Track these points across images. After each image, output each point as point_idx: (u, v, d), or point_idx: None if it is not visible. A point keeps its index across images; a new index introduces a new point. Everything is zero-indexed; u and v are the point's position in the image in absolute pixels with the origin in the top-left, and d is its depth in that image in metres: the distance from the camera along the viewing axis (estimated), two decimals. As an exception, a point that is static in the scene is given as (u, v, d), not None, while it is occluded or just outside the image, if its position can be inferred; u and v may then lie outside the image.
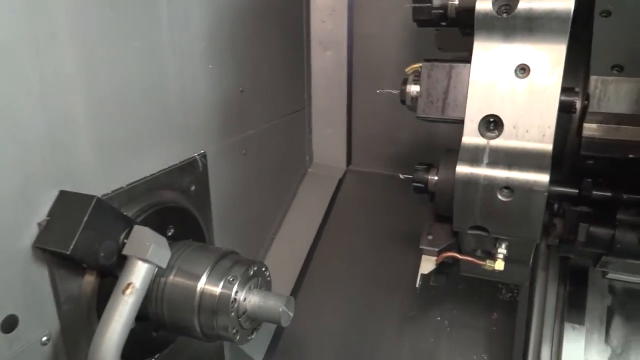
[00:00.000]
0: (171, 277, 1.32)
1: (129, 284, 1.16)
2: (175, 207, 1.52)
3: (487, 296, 2.08)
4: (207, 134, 1.75)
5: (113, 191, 1.31)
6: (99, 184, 1.26)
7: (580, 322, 1.64)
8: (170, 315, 1.33)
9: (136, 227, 1.22)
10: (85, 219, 1.09)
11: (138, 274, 1.17)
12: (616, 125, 1.16)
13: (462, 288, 2.11)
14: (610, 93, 1.14)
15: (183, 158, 1.60)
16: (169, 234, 1.45)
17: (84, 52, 1.19)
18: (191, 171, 1.63)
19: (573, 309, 1.66)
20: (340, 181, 2.71)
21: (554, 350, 1.65)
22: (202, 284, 1.30)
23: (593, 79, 1.16)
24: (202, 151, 1.68)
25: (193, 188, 1.64)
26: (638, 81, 1.13)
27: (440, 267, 1.41)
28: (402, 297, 2.15)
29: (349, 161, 2.77)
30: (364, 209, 2.59)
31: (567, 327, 1.64)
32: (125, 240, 1.21)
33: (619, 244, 1.15)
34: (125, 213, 1.28)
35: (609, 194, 1.17)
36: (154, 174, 1.46)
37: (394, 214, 2.45)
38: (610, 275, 1.67)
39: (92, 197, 1.12)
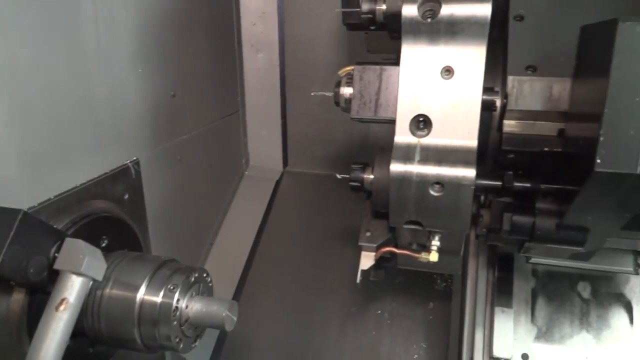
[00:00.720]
0: (108, 290, 1.27)
1: (62, 300, 1.11)
2: (109, 217, 1.47)
3: (423, 287, 2.17)
4: (139, 141, 1.70)
5: (40, 203, 1.25)
6: (25, 196, 1.20)
7: (509, 306, 1.75)
8: (109, 329, 1.28)
9: (67, 240, 1.17)
10: (12, 234, 1.03)
11: (72, 289, 1.13)
12: (532, 121, 1.26)
13: (400, 281, 2.19)
14: (525, 92, 1.24)
15: (114, 166, 1.55)
16: (103, 245, 1.40)
17: (3, 58, 1.13)
18: (124, 179, 1.58)
19: (501, 293, 1.77)
20: (278, 183, 2.72)
21: (486, 334, 1.75)
22: (142, 294, 1.27)
23: (510, 79, 1.25)
24: (135, 158, 1.63)
25: (127, 196, 1.59)
26: (549, 80, 1.23)
27: (379, 262, 1.46)
28: (343, 294, 2.20)
29: (285, 163, 2.79)
30: (302, 210, 2.62)
31: (497, 311, 1.75)
32: (56, 254, 1.15)
33: (539, 230, 1.25)
34: (55, 226, 1.23)
35: (528, 184, 1.26)
36: (83, 183, 1.40)
37: (331, 214, 2.50)
38: (533, 260, 1.80)
39: (18, 210, 1.06)
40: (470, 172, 1.13)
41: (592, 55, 1.06)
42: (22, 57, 1.19)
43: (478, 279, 1.85)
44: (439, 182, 1.15)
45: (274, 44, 2.57)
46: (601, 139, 0.92)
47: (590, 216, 1.13)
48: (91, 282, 1.19)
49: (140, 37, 1.67)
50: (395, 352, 2.02)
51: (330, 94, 1.29)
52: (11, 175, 1.18)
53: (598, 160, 0.92)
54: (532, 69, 1.24)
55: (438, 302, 2.12)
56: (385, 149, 1.25)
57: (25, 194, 1.21)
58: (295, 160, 2.78)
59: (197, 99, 2.14)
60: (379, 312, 2.13)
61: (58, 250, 1.16)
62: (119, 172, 1.55)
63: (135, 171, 1.63)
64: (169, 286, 1.28)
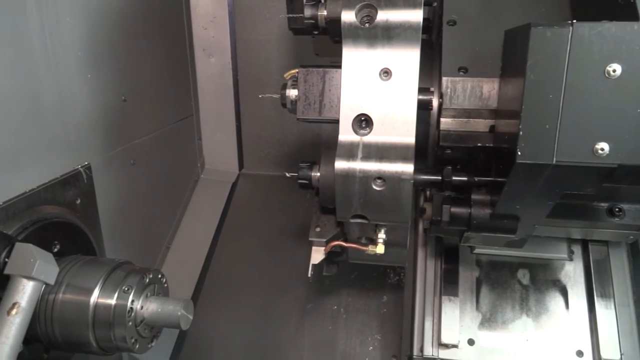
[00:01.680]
0: (60, 294, 1.28)
1: (14, 304, 1.12)
2: (60, 222, 1.47)
3: (377, 281, 2.25)
4: (91, 145, 1.70)
5: (-12, 210, 1.24)
6: (-28, 203, 1.20)
7: (455, 295, 1.85)
8: (63, 333, 1.29)
9: (18, 245, 1.18)
10: (-41, 240, 1.03)
11: (23, 293, 1.13)
12: (466, 119, 1.36)
13: (355, 276, 2.26)
14: (459, 91, 1.33)
15: (65, 171, 1.55)
16: (55, 250, 1.40)
17: (-54, 65, 1.13)
18: (75, 184, 1.59)
19: (448, 283, 1.87)
20: (234, 185, 2.75)
21: (435, 322, 1.84)
22: (95, 297, 1.28)
23: (444, 79, 1.34)
24: (86, 163, 1.64)
25: (79, 201, 1.59)
26: (480, 80, 1.32)
27: (330, 257, 1.53)
28: (300, 292, 2.25)
29: (241, 165, 2.82)
30: (259, 211, 2.66)
31: (444, 300, 1.85)
32: (6, 259, 1.16)
33: (474, 220, 1.34)
34: (4, 231, 1.23)
35: (465, 178, 1.35)
36: (33, 189, 1.40)
37: (287, 213, 2.55)
38: (477, 251, 1.92)
39: (-34, 216, 1.07)
40: (408, 167, 1.21)
41: (513, 57, 1.16)
42: (-34, 63, 1.19)
43: (427, 271, 1.94)
44: (381, 177, 1.22)
45: (225, 48, 2.61)
46: (520, 133, 1.01)
47: (518, 205, 1.23)
48: (43, 286, 1.20)
49: (88, 43, 1.67)
50: (352, 344, 2.09)
51: (277, 96, 1.35)
52: (-43, 182, 1.17)
53: (519, 153, 1.02)
54: (464, 70, 1.33)
55: (391, 295, 2.21)
56: (331, 147, 1.32)
57: (-28, 200, 1.21)
58: (251, 163, 2.82)
59: (150, 103, 2.15)
60: (335, 307, 2.20)
61: (8, 255, 1.16)
62: (70, 177, 1.56)
63: (86, 176, 1.64)
64: (123, 288, 1.29)
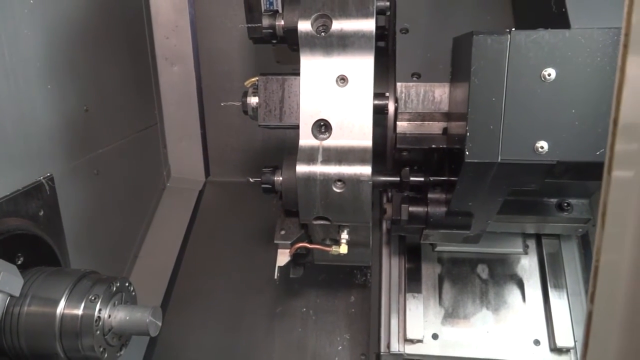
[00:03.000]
0: (26, 306, 1.28)
1: (-22, 317, 1.11)
2: (23, 234, 1.46)
3: (344, 282, 2.30)
4: (53, 156, 1.70)
5: (-52, 224, 1.23)
6: None
7: (418, 291, 1.92)
8: (30, 346, 1.29)
9: (-19, 258, 1.17)
10: None
11: (-12, 305, 1.13)
12: (420, 122, 1.42)
13: (322, 278, 2.31)
14: (412, 96, 1.40)
15: (26, 183, 1.54)
16: (19, 262, 1.40)
17: None
18: (37, 195, 1.58)
19: (411, 281, 1.94)
20: (201, 193, 2.76)
21: (401, 318, 1.90)
22: (62, 308, 1.28)
23: (399, 85, 1.40)
24: (49, 174, 1.63)
25: (42, 213, 1.59)
26: (432, 85, 1.39)
27: (296, 259, 1.57)
28: (268, 296, 2.28)
29: (207, 172, 2.83)
30: (226, 217, 2.67)
31: (409, 297, 1.91)
32: (-31, 273, 1.15)
33: (431, 218, 1.41)
34: (-34, 245, 1.22)
35: (421, 178, 1.42)
36: (-6, 201, 1.40)
37: (254, 219, 2.57)
38: (438, 248, 1.99)
39: None
40: (366, 170, 1.27)
41: (460, 63, 1.23)
42: None
43: (391, 269, 2.00)
44: (341, 179, 1.27)
45: (188, 56, 2.62)
46: (468, 134, 1.08)
47: (470, 202, 1.30)
48: (8, 299, 1.20)
49: (48, 54, 1.67)
50: (321, 345, 2.13)
51: (238, 104, 1.39)
52: None
53: (467, 153, 1.09)
54: (417, 76, 1.40)
55: (358, 294, 2.26)
56: (292, 152, 1.36)
57: None
58: (217, 170, 2.84)
59: (112, 112, 2.15)
60: (304, 309, 2.24)
61: (-29, 268, 1.16)
62: (32, 188, 1.55)
63: (49, 187, 1.63)
64: (90, 297, 1.30)
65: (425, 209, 1.41)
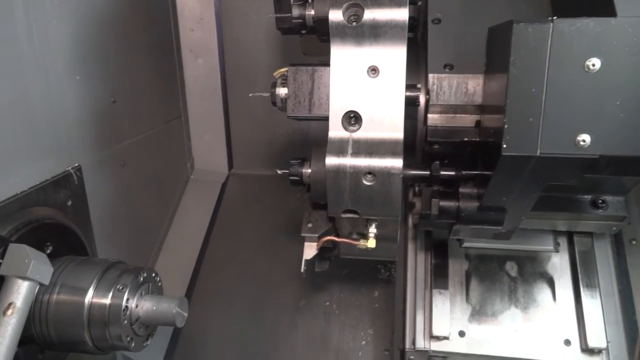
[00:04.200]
0: (55, 295, 1.29)
1: (9, 304, 1.12)
2: (52, 223, 1.47)
3: (368, 277, 2.28)
4: (81, 147, 1.71)
5: (-19, 212, 1.25)
6: (-36, 205, 1.20)
7: (445, 287, 1.88)
8: (59, 333, 1.29)
9: (12, 246, 1.18)
10: (-46, 242, 1.04)
11: (19, 293, 1.14)
12: (452, 115, 1.39)
13: (346, 273, 2.29)
14: (445, 88, 1.36)
15: (56, 173, 1.55)
16: (48, 251, 1.41)
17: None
18: (66, 185, 1.59)
19: (438, 277, 1.90)
20: (224, 185, 2.76)
21: (426, 315, 1.87)
22: (90, 296, 1.29)
23: (430, 76, 1.37)
24: (77, 164, 1.64)
25: (70, 202, 1.60)
26: (465, 77, 1.36)
27: (322, 253, 1.55)
28: (292, 289, 2.27)
29: (230, 165, 2.83)
30: (249, 210, 2.67)
31: (435, 293, 1.88)
32: (0, 260, 1.16)
33: (462, 213, 1.37)
34: (-3, 233, 1.23)
35: (452, 172, 1.39)
36: (25, 191, 1.41)
37: (277, 212, 2.57)
38: (466, 244, 1.95)
39: (-41, 218, 1.07)
40: (397, 162, 1.24)
41: (496, 53, 1.19)
42: (-44, 66, 1.20)
43: (417, 265, 1.98)
44: (371, 172, 1.25)
45: (213, 49, 2.61)
46: (505, 126, 1.04)
47: (504, 197, 1.26)
48: (38, 287, 1.21)
49: (76, 44, 1.68)
50: (344, 340, 2.12)
51: (267, 95, 1.37)
52: (-51, 184, 1.18)
53: (504, 145, 1.05)
54: (449, 67, 1.36)
55: (382, 290, 2.23)
56: (321, 144, 1.34)
57: (-36, 203, 1.21)
58: (240, 163, 2.83)
59: (139, 104, 2.16)
60: (327, 303, 2.22)
61: (2, 256, 1.17)
62: (60, 178, 1.56)
63: (77, 177, 1.64)
64: (117, 287, 1.30)
65: (457, 204, 1.38)
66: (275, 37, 2.57)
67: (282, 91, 1.34)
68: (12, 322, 1.11)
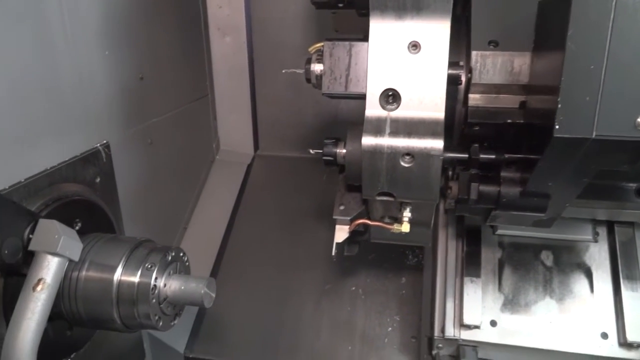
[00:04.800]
0: (84, 271, 1.28)
1: (39, 280, 1.11)
2: (81, 200, 1.46)
3: (395, 263, 2.23)
4: (109, 124, 1.69)
5: (10, 186, 1.23)
6: (-6, 179, 1.19)
7: (477, 275, 1.82)
8: (87, 310, 1.28)
9: (42, 221, 1.16)
10: (-16, 215, 1.02)
11: (49, 269, 1.13)
12: (495, 95, 1.32)
13: (373, 258, 2.25)
14: (488, 66, 1.29)
15: (84, 149, 1.54)
16: (76, 228, 1.39)
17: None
18: (94, 162, 1.57)
19: (470, 264, 1.84)
20: (249, 167, 2.73)
21: (457, 303, 1.82)
22: (119, 275, 1.27)
23: (474, 53, 1.30)
24: (105, 141, 1.62)
25: (98, 180, 1.58)
26: (511, 54, 1.28)
27: (352, 236, 1.50)
28: (317, 272, 2.24)
29: (256, 146, 2.79)
30: (275, 192, 2.64)
31: (466, 281, 1.82)
32: (30, 236, 1.15)
33: (504, 198, 1.31)
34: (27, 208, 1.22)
35: (493, 155, 1.32)
36: (54, 166, 1.39)
37: (303, 195, 2.53)
38: (499, 232, 1.89)
39: (-10, 191, 1.05)
40: (438, 143, 1.18)
41: (549, 28, 1.11)
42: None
43: (448, 252, 1.92)
44: (409, 153, 1.19)
45: (240, 27, 2.56)
46: (559, 106, 0.97)
47: (551, 182, 1.19)
48: (67, 263, 1.19)
49: (105, 19, 1.65)
50: (370, 325, 2.08)
51: (301, 71, 1.32)
52: (-21, 157, 1.16)
53: (557, 127, 0.98)
54: (494, 44, 1.29)
55: (410, 276, 2.19)
56: (356, 124, 1.29)
57: (-6, 176, 1.20)
58: (266, 144, 2.80)
59: (166, 82, 2.13)
60: (354, 288, 2.18)
61: (32, 231, 1.15)
62: (89, 155, 1.54)
63: (105, 154, 1.62)
64: (146, 265, 1.29)
65: (497, 189, 1.31)
66: (304, 15, 2.50)
67: (317, 67, 1.28)
68: (42, 298, 1.10)
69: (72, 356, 1.43)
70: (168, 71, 2.15)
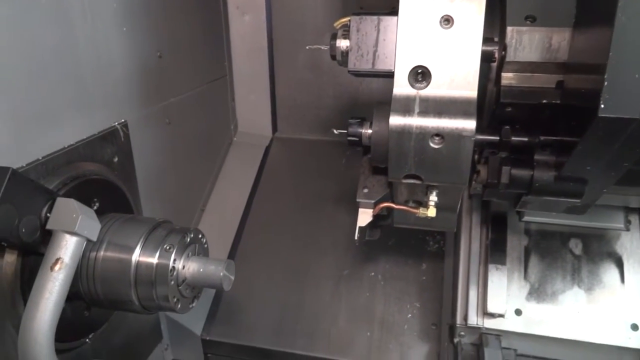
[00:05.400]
0: (102, 252, 1.25)
1: (57, 260, 1.09)
2: (99, 179, 1.43)
3: (416, 249, 2.18)
4: (127, 102, 1.65)
5: (28, 164, 1.21)
6: (12, 157, 1.16)
7: (502, 263, 1.77)
8: (105, 291, 1.26)
9: (60, 199, 1.14)
10: (1, 192, 0.99)
11: (67, 248, 1.10)
12: (530, 74, 1.25)
13: (392, 243, 2.20)
14: (524, 42, 1.22)
15: (102, 128, 1.51)
16: (94, 207, 1.37)
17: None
18: (113, 141, 1.54)
19: (495, 251, 1.79)
20: (267, 149, 2.68)
21: (480, 291, 1.77)
22: (137, 255, 1.25)
23: (509, 29, 1.22)
24: (123, 120, 1.59)
25: (116, 159, 1.56)
26: (548, 30, 1.21)
27: (375, 220, 1.45)
28: (335, 257, 2.20)
29: (274, 128, 2.74)
30: (293, 175, 2.60)
31: (491, 268, 1.77)
32: (48, 214, 1.12)
33: (537, 182, 1.24)
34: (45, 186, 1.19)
35: (525, 138, 1.26)
36: (72, 145, 1.37)
37: (322, 178, 2.48)
38: (526, 219, 1.82)
39: (7, 168, 1.02)
40: (470, 124, 1.12)
41: (594, 2, 1.04)
42: (4, 18, 1.14)
43: (472, 238, 1.87)
44: (439, 133, 1.13)
45: (260, 5, 2.49)
46: (605, 83, 0.90)
47: (590, 166, 1.12)
48: (85, 242, 1.17)
49: (123, -6, 1.61)
50: (389, 311, 2.04)
51: (326, 48, 1.26)
52: (-4, 134, 1.13)
53: (602, 106, 0.91)
54: (531, 19, 1.21)
55: (430, 262, 2.14)
56: (382, 102, 1.23)
57: (12, 154, 1.17)
58: (285, 126, 2.75)
59: (184, 61, 2.08)
60: (372, 274, 2.14)
61: (50, 210, 1.13)
62: (107, 133, 1.51)
63: (124, 133, 1.59)
64: (164, 246, 1.26)
65: (530, 173, 1.25)
66: (325, -7, 2.43)
67: (343, 43, 1.22)
68: (60, 278, 1.08)
69: (89, 337, 1.42)
70: (186, 50, 2.10)
